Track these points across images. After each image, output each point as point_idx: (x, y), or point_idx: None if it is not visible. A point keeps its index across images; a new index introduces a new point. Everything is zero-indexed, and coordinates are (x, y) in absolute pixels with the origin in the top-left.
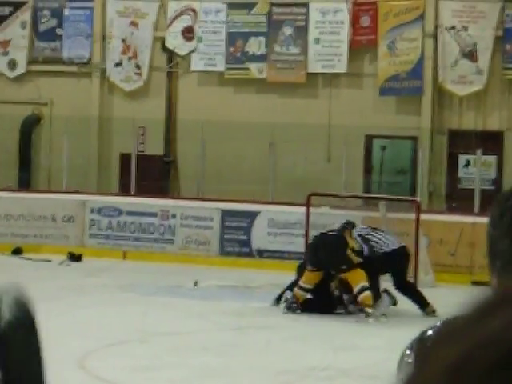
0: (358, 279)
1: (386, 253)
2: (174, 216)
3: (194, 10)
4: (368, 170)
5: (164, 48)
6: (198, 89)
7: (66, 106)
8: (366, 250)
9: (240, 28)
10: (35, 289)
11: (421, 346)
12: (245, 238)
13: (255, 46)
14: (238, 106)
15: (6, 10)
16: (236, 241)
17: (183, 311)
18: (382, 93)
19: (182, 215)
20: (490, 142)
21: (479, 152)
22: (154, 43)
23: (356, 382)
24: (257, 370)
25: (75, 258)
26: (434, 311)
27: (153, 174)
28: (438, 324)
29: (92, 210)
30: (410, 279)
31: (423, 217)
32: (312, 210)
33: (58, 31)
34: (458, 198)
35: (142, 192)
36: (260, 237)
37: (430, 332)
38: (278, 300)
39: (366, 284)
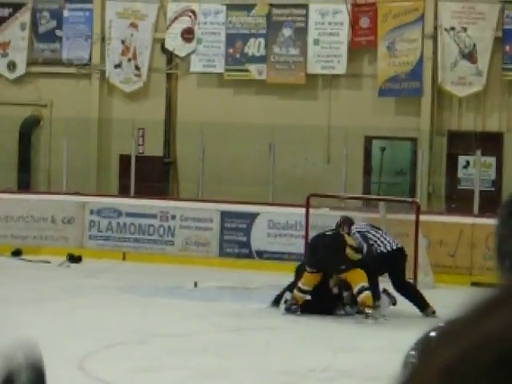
0: (358, 279)
1: (383, 253)
2: (173, 217)
3: (193, 12)
4: (367, 171)
5: (163, 49)
6: (198, 90)
7: (66, 107)
8: (365, 247)
9: (239, 29)
10: (35, 290)
11: (424, 346)
12: (244, 239)
13: (255, 47)
14: (238, 107)
15: (6, 11)
16: (235, 242)
17: (183, 312)
18: (381, 94)
19: (182, 216)
20: (490, 143)
21: (479, 153)
22: (153, 44)
23: (356, 383)
24: (256, 371)
25: (75, 259)
26: (433, 312)
27: (152, 176)
28: (442, 324)
29: (91, 212)
30: (410, 280)
31: (423, 218)
32: (312, 211)
33: (58, 33)
34: (457, 199)
35: (141, 193)
36: (259, 238)
37: (433, 333)
38: (275, 301)
39: (366, 284)
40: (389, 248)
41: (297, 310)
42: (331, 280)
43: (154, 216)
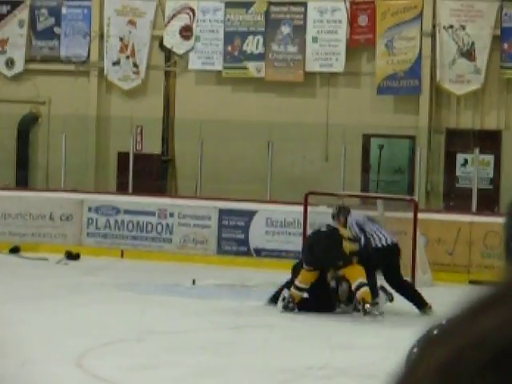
0: (356, 275)
1: (378, 248)
2: (171, 215)
3: (191, 9)
4: (366, 168)
5: (162, 47)
6: (196, 88)
7: (64, 104)
8: (362, 238)
9: (238, 27)
10: (33, 287)
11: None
12: (242, 236)
13: (253, 44)
14: (236, 104)
15: (4, 8)
16: (234, 240)
17: (181, 310)
18: (379, 92)
19: (180, 214)
20: (488, 141)
21: (477, 151)
22: (151, 42)
23: (354, 380)
24: (254, 369)
25: (73, 256)
26: (430, 308)
27: (150, 173)
28: (443, 322)
29: (90, 209)
30: (407, 278)
31: (421, 216)
32: (310, 208)
33: (56, 30)
34: (455, 197)
35: (139, 191)
36: (257, 236)
37: (434, 330)
38: (272, 299)
39: (365, 280)
40: (384, 243)
41: (294, 307)
42: (328, 273)
43: (152, 213)
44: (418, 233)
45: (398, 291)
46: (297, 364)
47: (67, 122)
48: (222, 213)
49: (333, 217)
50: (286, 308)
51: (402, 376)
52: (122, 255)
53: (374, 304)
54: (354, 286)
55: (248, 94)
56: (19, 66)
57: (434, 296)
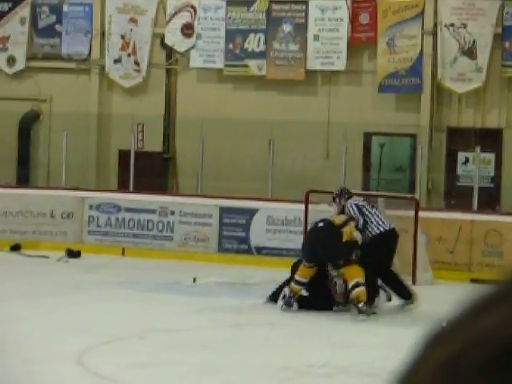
0: (354, 275)
1: (377, 234)
2: (172, 213)
3: (193, 7)
4: (367, 167)
5: (163, 45)
6: (197, 85)
7: (65, 102)
8: (361, 220)
9: (239, 25)
10: (34, 285)
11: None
12: (243, 234)
13: (254, 42)
14: (237, 102)
15: (5, 6)
16: (234, 238)
17: (181, 308)
18: (381, 90)
19: (181, 212)
20: (489, 139)
21: (478, 149)
22: (153, 40)
23: (354, 379)
24: (255, 367)
25: (74, 254)
26: (413, 302)
27: (151, 171)
28: (445, 321)
29: (91, 207)
30: (409, 276)
31: (422, 214)
32: (311, 207)
33: (57, 27)
34: (456, 196)
35: (140, 189)
36: (258, 234)
37: (437, 329)
38: (271, 297)
39: (362, 280)
40: (381, 229)
41: (294, 302)
42: (328, 271)
43: (153, 211)
44: (418, 231)
45: (380, 278)
46: (298, 362)
47: (68, 119)
48: (223, 211)
49: (333, 198)
50: (287, 304)
51: (404, 375)
52: (122, 253)
53: (370, 303)
54: (350, 285)
55: (249, 92)
56: (20, 64)
57: (435, 294)
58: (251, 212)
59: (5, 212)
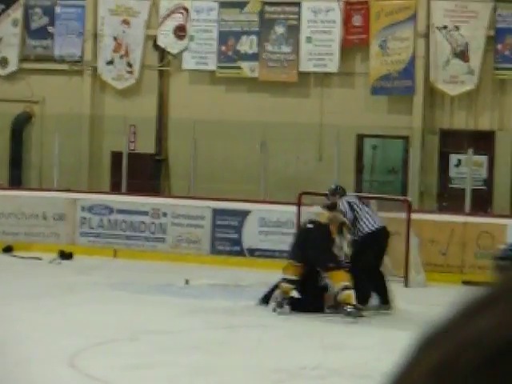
0: (340, 279)
1: (368, 233)
2: (165, 214)
3: (185, 9)
4: (359, 169)
5: (156, 46)
6: (190, 87)
7: (58, 104)
8: (350, 215)
9: (232, 27)
10: (26, 286)
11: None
12: (236, 236)
13: (247, 44)
14: (230, 104)
15: None
16: (227, 239)
17: (174, 310)
18: (373, 92)
19: (173, 214)
20: (482, 141)
21: (470, 152)
22: (145, 41)
23: (347, 381)
24: (248, 369)
25: (66, 256)
26: (390, 309)
27: (144, 173)
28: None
29: (83, 208)
30: (401, 278)
31: (414, 216)
32: (303, 208)
33: (50, 29)
34: (449, 198)
35: (133, 190)
36: (251, 236)
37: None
38: (263, 299)
39: (349, 284)
40: (372, 228)
41: (286, 303)
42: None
43: (145, 213)
44: (411, 233)
45: (369, 277)
46: (290, 364)
47: (61, 121)
48: (216, 212)
49: (327, 195)
50: (279, 305)
51: (397, 377)
52: (115, 255)
53: (363, 304)
54: (336, 289)
55: (242, 93)
56: (13, 65)
57: (428, 296)
58: (244, 214)
59: None
